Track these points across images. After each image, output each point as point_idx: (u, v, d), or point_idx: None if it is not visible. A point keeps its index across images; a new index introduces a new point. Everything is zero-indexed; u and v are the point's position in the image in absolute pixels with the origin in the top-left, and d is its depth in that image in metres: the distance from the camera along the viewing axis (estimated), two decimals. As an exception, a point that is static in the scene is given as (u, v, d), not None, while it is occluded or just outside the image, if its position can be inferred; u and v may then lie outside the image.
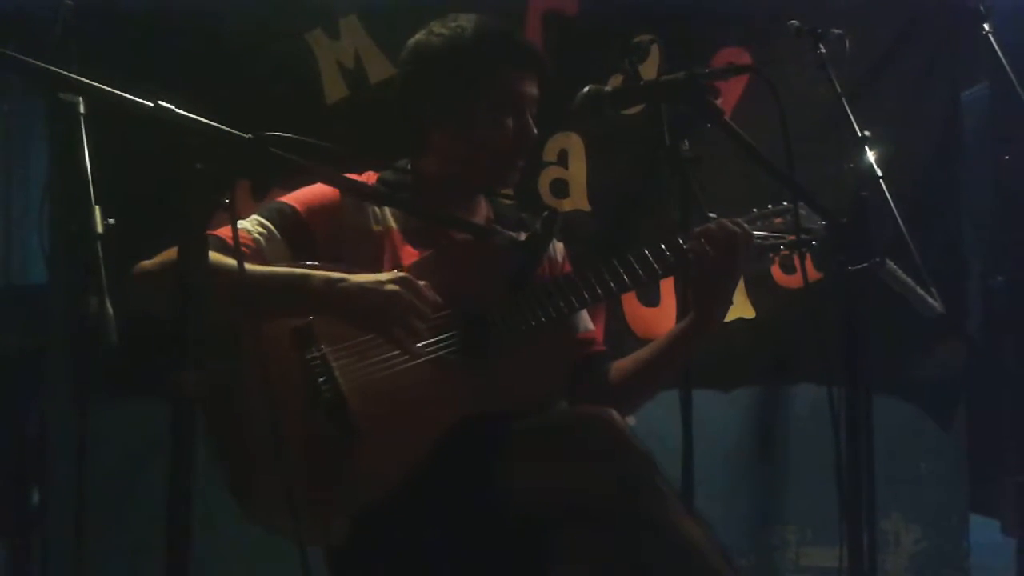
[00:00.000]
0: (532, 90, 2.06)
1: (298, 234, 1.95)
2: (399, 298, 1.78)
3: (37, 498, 3.24)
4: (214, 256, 1.61)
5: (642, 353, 2.15)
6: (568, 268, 2.21)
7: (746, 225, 2.02)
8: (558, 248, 2.23)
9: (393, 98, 2.13)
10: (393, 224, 2.02)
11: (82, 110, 2.02)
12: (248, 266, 1.72)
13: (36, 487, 3.24)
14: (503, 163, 2.07)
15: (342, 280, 1.80)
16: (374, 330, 1.82)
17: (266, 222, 1.94)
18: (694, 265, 2.00)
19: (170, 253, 1.75)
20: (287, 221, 1.96)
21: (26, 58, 1.34)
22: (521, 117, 2.04)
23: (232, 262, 1.68)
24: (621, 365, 2.16)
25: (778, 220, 2.11)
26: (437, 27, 2.06)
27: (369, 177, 2.10)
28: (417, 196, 2.07)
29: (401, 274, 1.82)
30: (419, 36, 2.08)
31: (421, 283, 1.81)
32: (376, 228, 2.01)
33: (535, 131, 2.07)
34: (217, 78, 3.01)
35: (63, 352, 3.00)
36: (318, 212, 1.98)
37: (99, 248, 1.91)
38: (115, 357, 1.93)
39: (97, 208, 1.93)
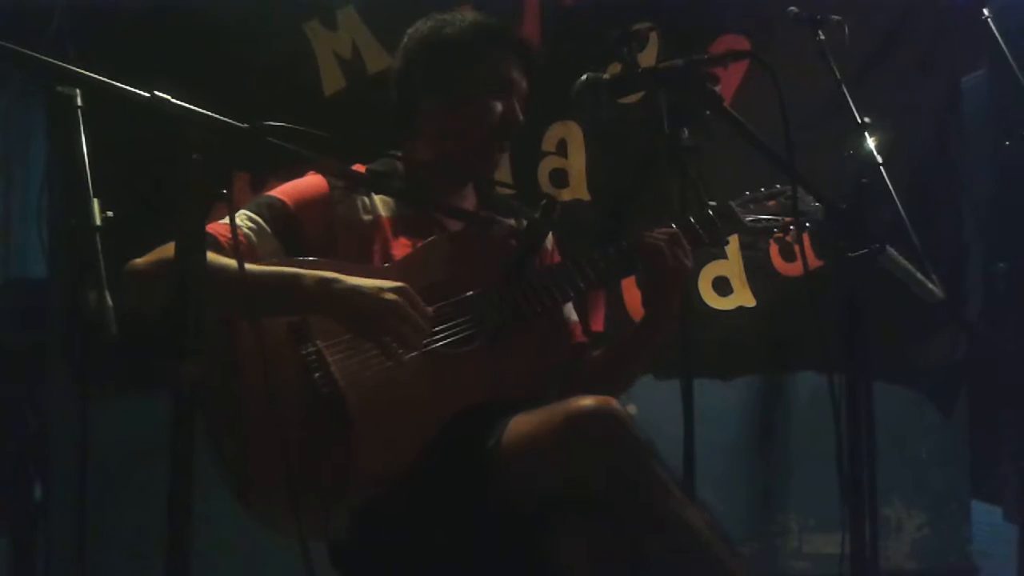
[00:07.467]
0: (521, 81, 2.08)
1: (288, 228, 1.94)
2: (396, 308, 1.77)
3: (39, 492, 3.24)
4: (208, 255, 1.59)
5: (613, 345, 2.16)
6: (557, 258, 2.21)
7: (675, 228, 2.03)
8: (548, 237, 2.22)
9: (390, 87, 2.13)
10: (383, 213, 2.02)
11: (79, 102, 2.01)
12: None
13: (38, 481, 3.25)
14: (488, 144, 2.07)
15: (336, 281, 1.78)
16: (364, 335, 1.81)
17: (255, 217, 1.93)
18: (641, 268, 2.03)
19: (163, 250, 1.75)
20: (276, 215, 1.95)
21: (23, 49, 1.34)
22: (509, 101, 2.06)
23: (225, 260, 1.68)
24: (595, 356, 2.17)
25: (772, 203, 2.12)
26: (435, 16, 2.11)
27: (357, 168, 2.09)
28: (408, 184, 2.07)
29: (400, 284, 1.80)
30: (416, 25, 2.12)
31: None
32: (366, 218, 2.01)
33: (521, 117, 2.07)
34: (214, 70, 3.00)
35: (63, 346, 3.00)
36: (307, 205, 1.97)
37: (98, 241, 1.90)
38: (115, 351, 1.92)
39: (95, 200, 1.92)
